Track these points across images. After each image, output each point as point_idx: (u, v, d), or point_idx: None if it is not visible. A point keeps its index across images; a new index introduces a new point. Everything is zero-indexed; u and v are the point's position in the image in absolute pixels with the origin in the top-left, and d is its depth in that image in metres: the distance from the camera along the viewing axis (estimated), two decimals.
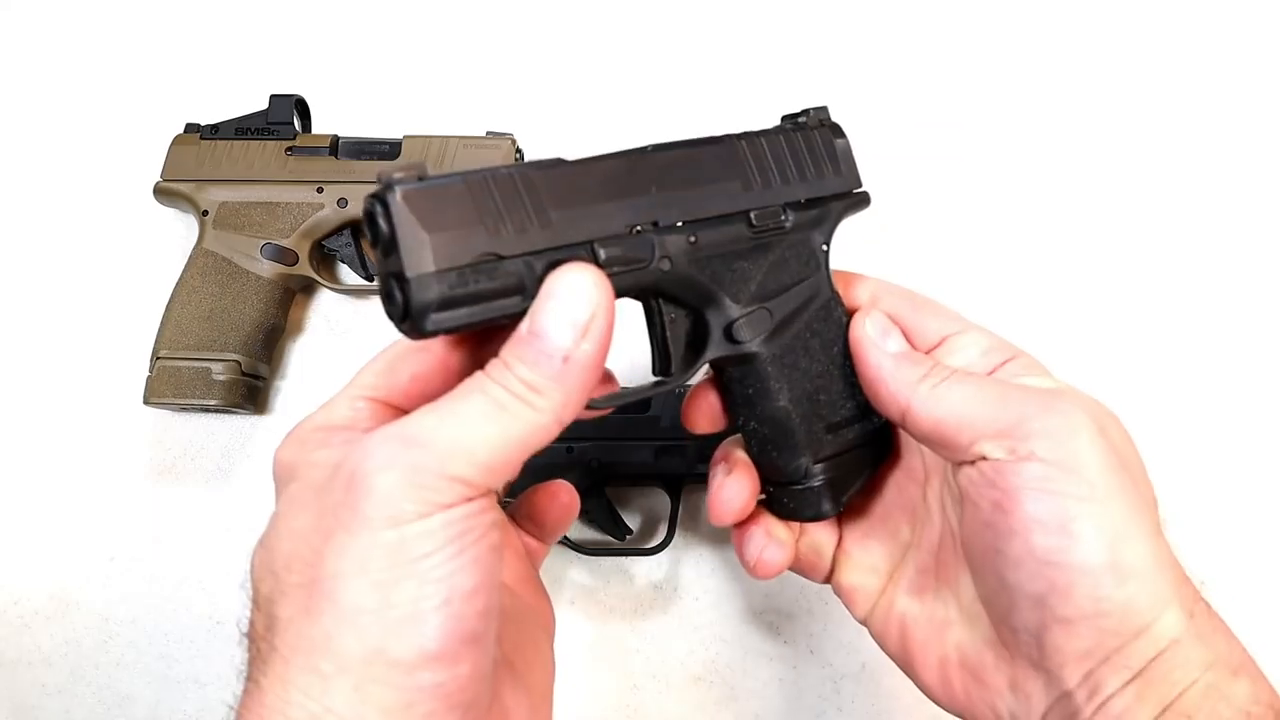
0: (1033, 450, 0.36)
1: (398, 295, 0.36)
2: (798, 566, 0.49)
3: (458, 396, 0.33)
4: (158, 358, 0.68)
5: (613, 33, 0.87)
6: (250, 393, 0.70)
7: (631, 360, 0.68)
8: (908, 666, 0.45)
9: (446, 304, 0.35)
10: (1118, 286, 0.76)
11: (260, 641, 0.33)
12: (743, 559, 0.47)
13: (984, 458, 0.37)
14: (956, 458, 0.39)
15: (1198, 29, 0.85)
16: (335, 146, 0.74)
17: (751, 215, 0.44)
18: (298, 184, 0.73)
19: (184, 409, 0.70)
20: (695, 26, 0.88)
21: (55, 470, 0.70)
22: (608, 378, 0.43)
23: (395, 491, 0.30)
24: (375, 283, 0.75)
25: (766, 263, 0.44)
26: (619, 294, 0.39)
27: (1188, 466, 0.70)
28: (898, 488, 0.47)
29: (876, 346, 0.43)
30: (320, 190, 0.73)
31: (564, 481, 0.48)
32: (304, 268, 0.72)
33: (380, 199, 0.34)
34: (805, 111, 0.48)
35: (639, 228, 0.41)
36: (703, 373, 0.46)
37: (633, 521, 0.70)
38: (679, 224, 0.42)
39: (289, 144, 0.74)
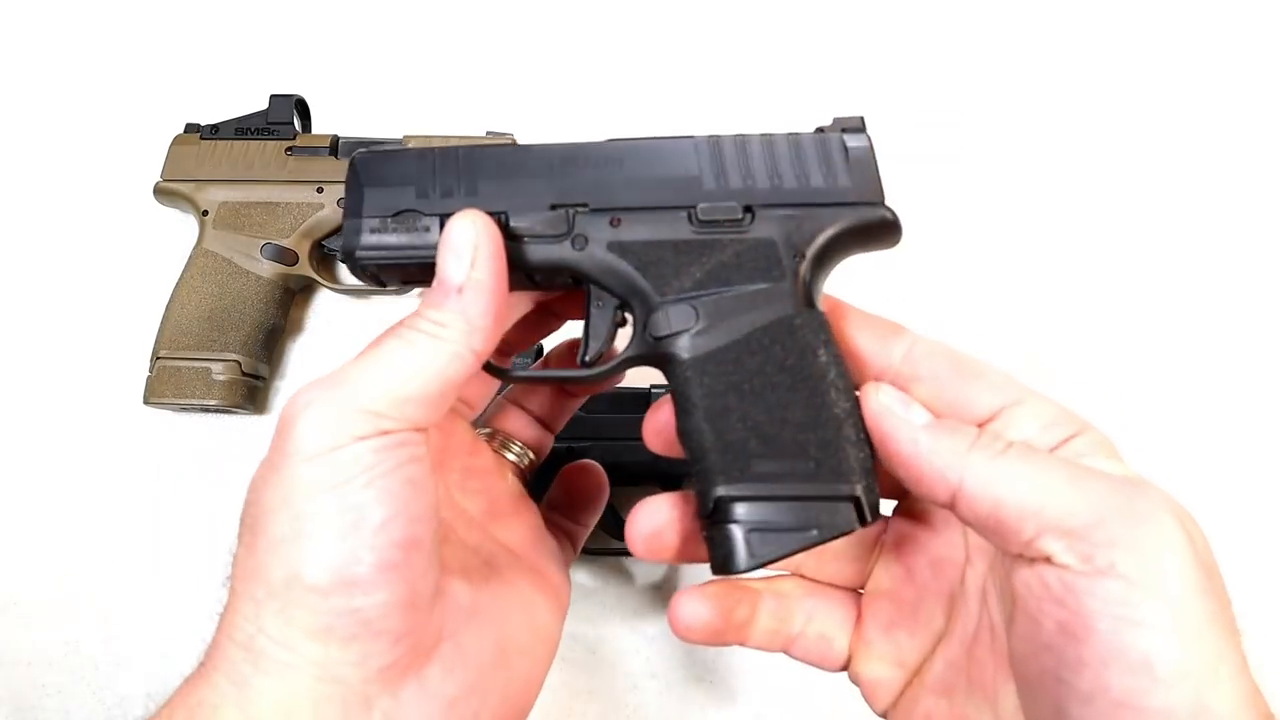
0: (1114, 563, 0.29)
1: (342, 239, 0.44)
2: (801, 656, 0.42)
3: (378, 343, 0.35)
4: (158, 358, 0.68)
5: (613, 33, 0.87)
6: (250, 393, 0.70)
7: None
8: None
9: (369, 245, 0.43)
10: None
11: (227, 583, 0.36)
12: (669, 612, 0.41)
13: (1050, 560, 0.30)
14: (1014, 550, 0.32)
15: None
16: (335, 146, 0.74)
17: (698, 209, 0.42)
18: (298, 184, 0.73)
19: (184, 409, 0.70)
20: (697, 27, 0.88)
21: (55, 470, 0.70)
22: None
23: (313, 426, 0.32)
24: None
25: (712, 261, 0.42)
26: (546, 274, 0.43)
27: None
28: (933, 569, 0.41)
29: (901, 419, 0.36)
30: (320, 190, 0.73)
31: (593, 461, 0.50)
32: (304, 268, 0.72)
33: (351, 164, 0.43)
34: (835, 121, 0.44)
35: (563, 206, 0.43)
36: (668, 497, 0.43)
37: None
38: (605, 208, 0.43)
39: (289, 144, 0.74)
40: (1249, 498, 0.70)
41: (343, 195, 0.71)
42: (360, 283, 0.75)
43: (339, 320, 0.76)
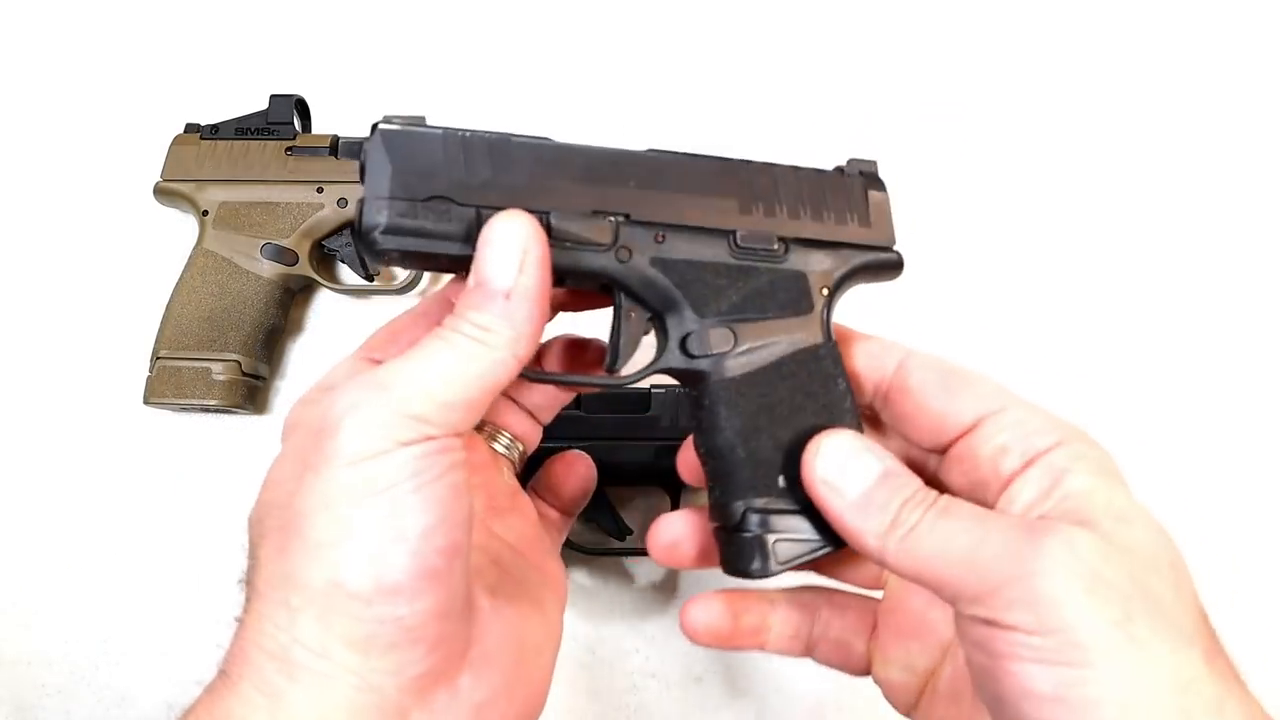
0: (1006, 619, 0.32)
1: (360, 215, 0.40)
2: (824, 660, 0.46)
3: (421, 345, 0.35)
4: (158, 358, 0.68)
5: (613, 33, 0.87)
6: (250, 393, 0.70)
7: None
8: None
9: (394, 229, 0.39)
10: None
11: (246, 585, 0.35)
12: (680, 617, 0.44)
13: (970, 617, 0.33)
14: (953, 609, 0.35)
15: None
16: (335, 146, 0.74)
17: (737, 235, 0.44)
18: (298, 184, 0.73)
19: (184, 409, 0.70)
20: (697, 27, 0.88)
21: (55, 470, 0.70)
22: (572, 349, 0.46)
23: (358, 430, 0.32)
24: (375, 282, 0.75)
25: (747, 287, 0.44)
26: (579, 279, 0.43)
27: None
28: None
29: (834, 493, 0.37)
30: (320, 190, 0.73)
31: (581, 452, 0.49)
32: (304, 268, 0.72)
33: (371, 132, 0.40)
34: (850, 162, 0.47)
35: (605, 213, 0.42)
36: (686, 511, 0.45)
37: (632, 521, 0.70)
38: (649, 222, 0.43)
39: (289, 144, 0.74)
40: (1253, 506, 0.70)
41: (342, 196, 0.72)
42: (361, 282, 0.75)
43: (339, 320, 0.76)
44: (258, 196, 0.72)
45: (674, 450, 0.64)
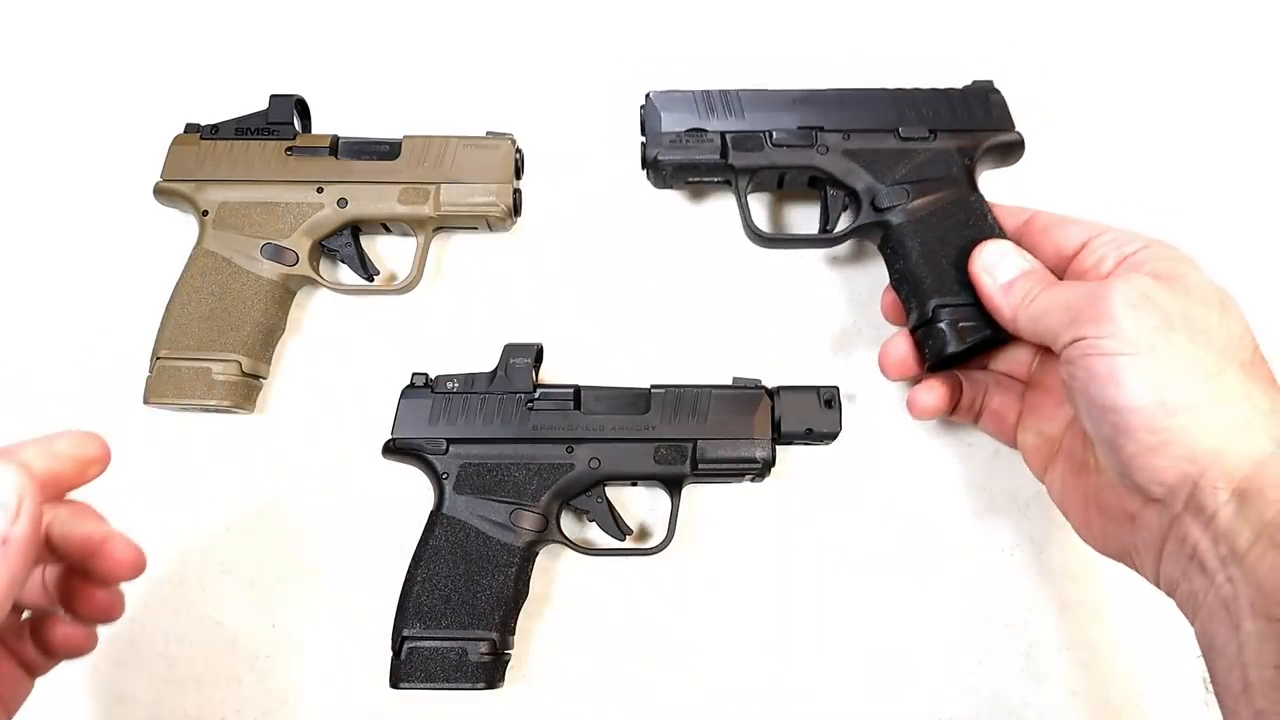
0: (1084, 333, 0.49)
1: (642, 151, 0.72)
2: (984, 427, 0.67)
3: None
4: (158, 358, 0.68)
5: (613, 33, 0.87)
6: (250, 393, 0.70)
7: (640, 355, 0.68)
8: (1067, 514, 0.59)
9: (668, 154, 0.70)
10: None
11: None
12: (908, 402, 0.67)
13: (1065, 345, 0.51)
14: (1057, 350, 0.52)
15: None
16: (335, 146, 0.74)
17: (899, 130, 0.69)
18: (298, 184, 0.73)
19: (184, 409, 0.70)
20: (696, 27, 0.88)
21: None
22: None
23: None
24: (375, 282, 0.75)
25: (912, 162, 0.68)
26: (795, 173, 0.71)
27: None
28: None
29: (988, 277, 0.59)
30: (320, 190, 0.73)
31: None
32: (304, 268, 0.72)
33: (646, 98, 0.72)
34: (975, 81, 0.73)
35: (807, 128, 0.70)
36: (901, 334, 0.67)
37: (632, 521, 0.70)
38: (837, 128, 0.70)
39: (289, 144, 0.74)
40: None
41: (342, 196, 0.73)
42: (361, 282, 0.75)
43: (339, 320, 0.76)
44: (258, 196, 0.72)
45: (673, 450, 0.65)
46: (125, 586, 0.68)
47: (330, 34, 0.86)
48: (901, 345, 0.66)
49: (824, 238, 0.71)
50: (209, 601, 0.67)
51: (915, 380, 0.68)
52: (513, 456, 0.65)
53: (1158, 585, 0.51)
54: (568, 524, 0.68)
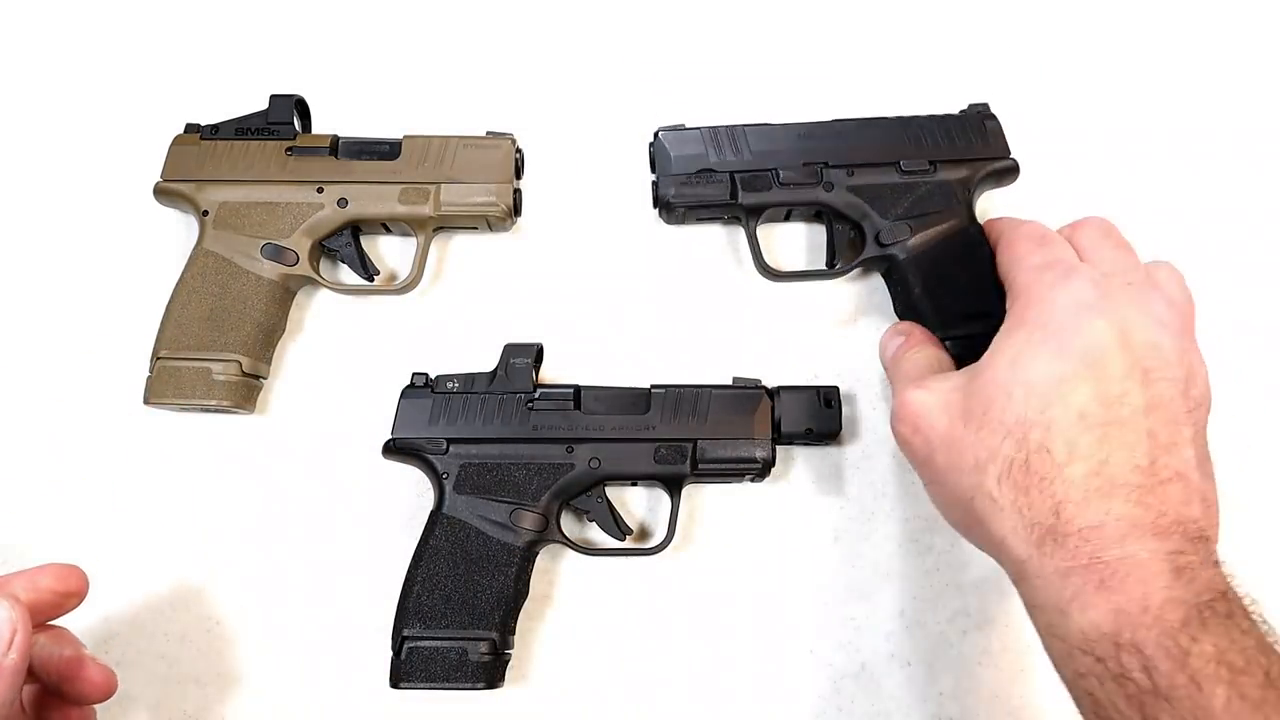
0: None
1: (654, 191, 0.74)
2: None
3: None
4: (158, 358, 0.68)
5: (613, 32, 0.87)
6: (250, 393, 0.70)
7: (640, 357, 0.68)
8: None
9: (679, 194, 0.71)
10: None
11: None
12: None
13: None
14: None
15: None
16: (335, 146, 0.74)
17: (900, 163, 0.71)
18: (298, 184, 0.73)
19: (184, 409, 0.70)
20: (695, 26, 0.88)
21: (55, 470, 0.70)
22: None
23: None
24: (375, 282, 0.75)
25: (913, 196, 0.70)
26: (801, 209, 0.73)
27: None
28: None
29: (883, 361, 0.67)
30: (320, 190, 0.73)
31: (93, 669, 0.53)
32: (304, 268, 0.72)
33: (655, 136, 0.73)
34: (970, 105, 0.74)
35: (812, 164, 0.71)
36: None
37: (632, 521, 0.70)
38: (841, 164, 0.71)
39: (289, 144, 0.74)
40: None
41: (342, 196, 0.73)
42: (361, 282, 0.75)
43: (339, 320, 0.76)
44: (258, 196, 0.72)
45: (674, 450, 0.65)
46: (124, 588, 0.68)
47: (330, 34, 0.86)
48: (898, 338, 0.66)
49: (831, 273, 0.73)
50: (209, 601, 0.67)
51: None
52: (513, 456, 0.65)
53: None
54: (568, 524, 0.68)
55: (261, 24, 0.87)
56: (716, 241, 0.78)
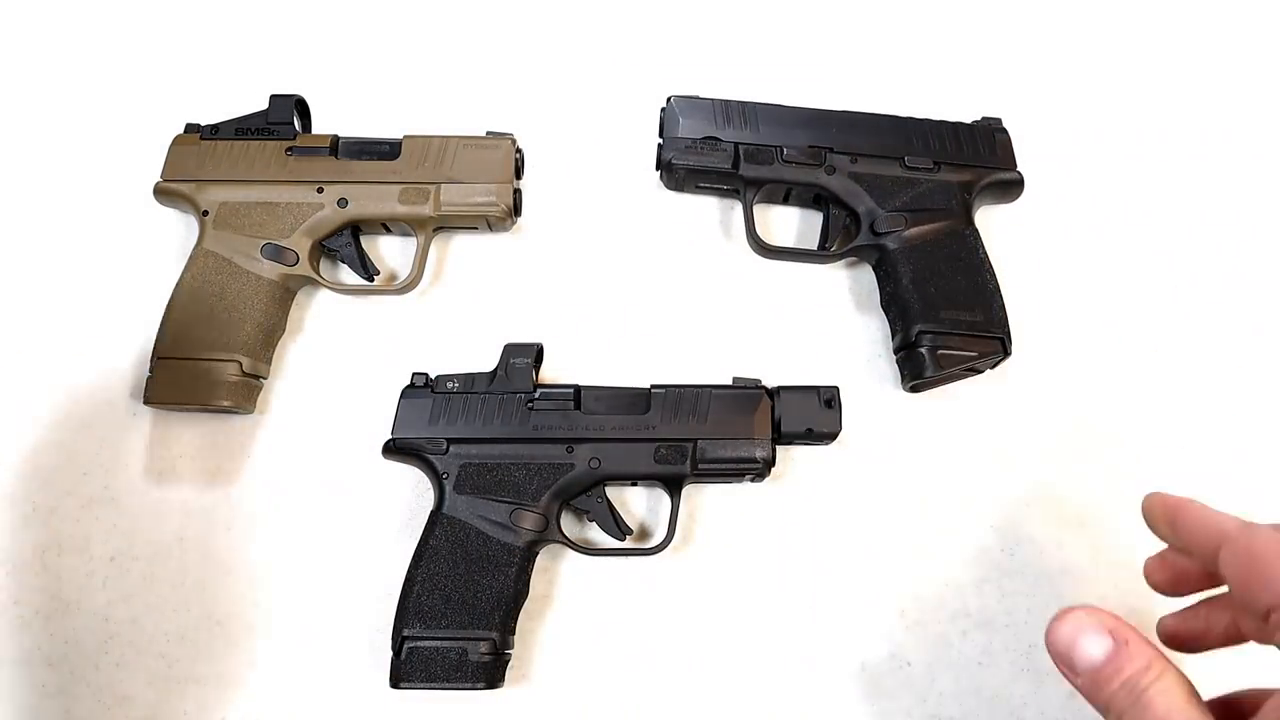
0: None
1: (658, 153, 0.75)
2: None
3: None
4: (158, 358, 0.68)
5: (612, 32, 0.87)
6: (250, 393, 0.70)
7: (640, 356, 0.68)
8: None
9: (682, 158, 0.73)
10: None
11: None
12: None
13: None
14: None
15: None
16: (335, 146, 0.74)
17: (905, 159, 0.72)
18: (298, 184, 0.73)
19: (184, 409, 0.70)
20: (694, 26, 0.88)
21: (55, 470, 0.70)
22: None
23: None
24: (375, 282, 0.75)
25: (913, 191, 0.72)
26: (801, 189, 0.74)
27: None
28: None
29: (1065, 666, 0.42)
30: (320, 190, 0.73)
31: None
32: (304, 268, 0.72)
33: (668, 101, 0.74)
34: (984, 118, 0.76)
35: (818, 147, 0.73)
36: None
37: (632, 521, 0.70)
38: (846, 150, 0.73)
39: (289, 144, 0.74)
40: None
41: (342, 196, 0.72)
42: (361, 282, 0.75)
43: (339, 320, 0.76)
44: (258, 196, 0.72)
45: (674, 450, 0.65)
46: (123, 588, 0.68)
47: (330, 34, 0.86)
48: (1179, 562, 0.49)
49: (822, 255, 0.74)
50: (209, 601, 0.67)
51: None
52: (513, 456, 0.65)
53: None
54: (568, 524, 0.68)
55: (261, 24, 0.87)
56: (718, 242, 0.78)
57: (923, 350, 0.68)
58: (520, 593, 0.63)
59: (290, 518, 0.69)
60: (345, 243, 0.74)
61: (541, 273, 0.77)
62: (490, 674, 0.61)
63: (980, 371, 0.71)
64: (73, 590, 0.67)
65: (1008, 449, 0.72)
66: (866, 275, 0.76)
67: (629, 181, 0.80)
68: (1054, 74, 0.87)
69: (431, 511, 0.65)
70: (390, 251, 0.78)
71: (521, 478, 0.64)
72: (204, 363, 0.68)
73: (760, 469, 0.66)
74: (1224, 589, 0.45)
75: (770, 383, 0.68)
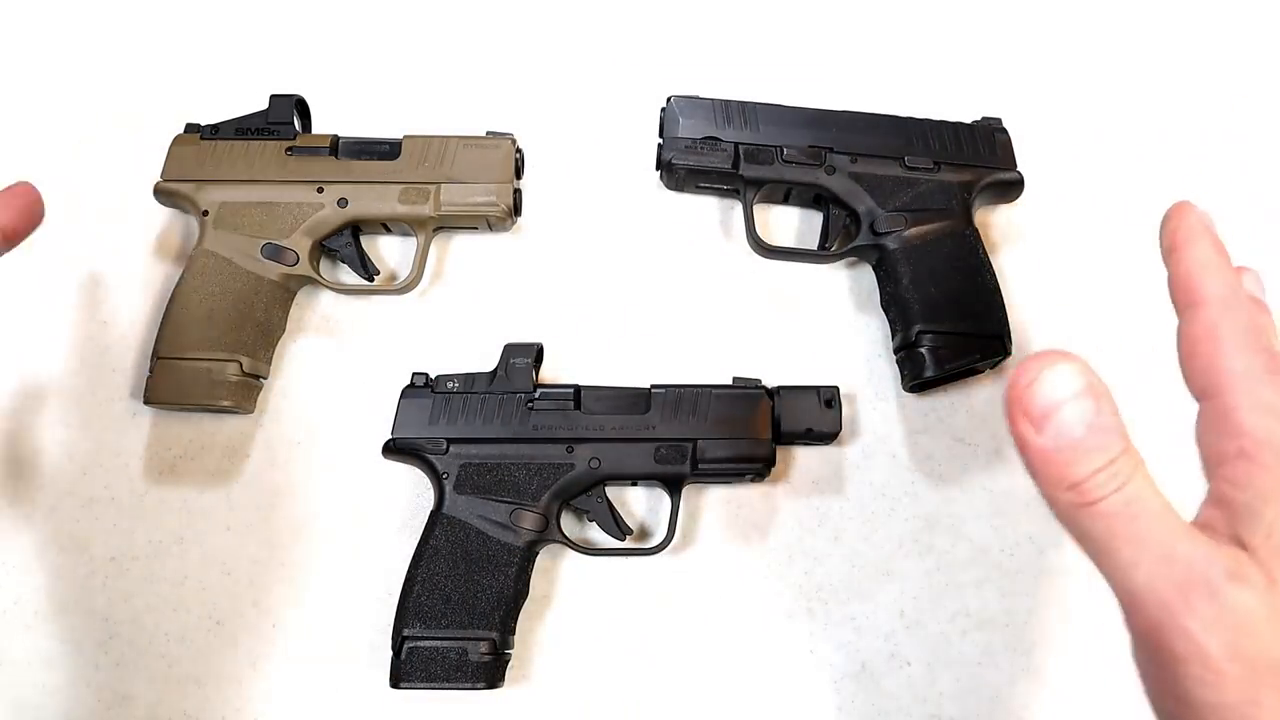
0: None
1: (658, 153, 0.74)
2: None
3: None
4: (158, 358, 0.68)
5: (612, 32, 0.87)
6: (250, 393, 0.70)
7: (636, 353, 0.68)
8: None
9: (682, 158, 0.72)
10: None
11: None
12: None
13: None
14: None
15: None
16: (335, 146, 0.74)
17: (905, 159, 0.72)
18: (298, 184, 0.73)
19: (184, 409, 0.70)
20: (694, 26, 0.88)
21: (55, 470, 0.70)
22: None
23: None
24: (375, 282, 0.75)
25: (913, 191, 0.71)
26: (801, 189, 0.74)
27: None
28: None
29: (1030, 426, 0.33)
30: (320, 190, 0.73)
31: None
32: (304, 268, 0.72)
33: (668, 101, 0.74)
34: (984, 118, 0.76)
35: (818, 147, 0.73)
36: None
37: (632, 521, 0.70)
38: (846, 150, 0.72)
39: (289, 144, 0.74)
40: None
41: (342, 195, 0.73)
42: (361, 282, 0.75)
43: (339, 320, 0.76)
44: (258, 196, 0.72)
45: (674, 450, 0.65)
46: (123, 587, 0.68)
47: (330, 34, 0.86)
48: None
49: (822, 255, 0.74)
50: (209, 601, 0.67)
51: None
52: (513, 456, 0.65)
53: None
54: (568, 524, 0.68)
55: (261, 24, 0.87)
56: (718, 242, 0.78)
57: (923, 350, 0.67)
58: (520, 593, 0.63)
59: (290, 518, 0.69)
60: (345, 243, 0.74)
61: (541, 273, 0.77)
62: (490, 674, 0.61)
63: (980, 371, 0.71)
64: (73, 590, 0.67)
65: (1008, 449, 0.72)
66: (866, 275, 0.76)
67: (629, 181, 0.80)
68: (1054, 74, 0.87)
69: (431, 511, 0.65)
70: (390, 251, 0.78)
71: (521, 478, 0.64)
72: (204, 363, 0.68)
73: (760, 469, 0.66)
74: None
75: (770, 383, 0.68)
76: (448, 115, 0.81)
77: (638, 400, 0.67)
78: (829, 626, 0.67)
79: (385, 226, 0.77)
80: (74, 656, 0.65)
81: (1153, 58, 0.89)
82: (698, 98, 0.74)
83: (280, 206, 0.72)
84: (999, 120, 0.76)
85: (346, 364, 0.74)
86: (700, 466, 0.65)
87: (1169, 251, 0.38)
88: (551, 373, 0.73)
